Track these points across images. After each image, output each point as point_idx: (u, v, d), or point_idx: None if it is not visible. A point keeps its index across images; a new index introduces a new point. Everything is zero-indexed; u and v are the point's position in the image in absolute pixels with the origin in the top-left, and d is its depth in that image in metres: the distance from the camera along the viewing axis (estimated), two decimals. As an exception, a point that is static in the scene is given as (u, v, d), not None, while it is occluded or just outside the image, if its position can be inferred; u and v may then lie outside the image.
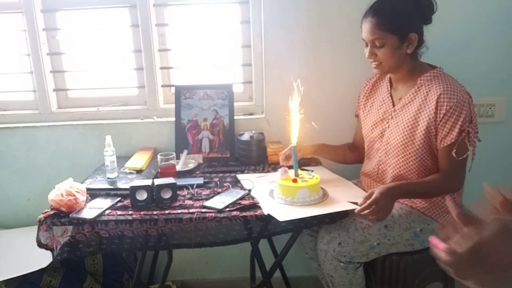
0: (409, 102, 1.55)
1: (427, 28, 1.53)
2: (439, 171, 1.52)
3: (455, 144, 1.44)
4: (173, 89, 2.08)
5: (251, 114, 2.09)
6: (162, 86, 2.10)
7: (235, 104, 2.00)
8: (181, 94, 2.00)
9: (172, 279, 2.16)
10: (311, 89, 1.98)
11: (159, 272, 2.10)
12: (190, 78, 2.13)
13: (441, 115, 1.44)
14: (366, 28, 1.51)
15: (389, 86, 1.65)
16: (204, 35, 2.04)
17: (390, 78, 1.66)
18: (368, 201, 1.37)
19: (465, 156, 1.45)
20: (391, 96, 1.64)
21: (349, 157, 1.84)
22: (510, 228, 0.60)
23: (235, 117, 1.99)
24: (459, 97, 1.43)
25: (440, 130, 1.46)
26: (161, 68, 2.07)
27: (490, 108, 1.97)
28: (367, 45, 1.54)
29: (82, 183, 1.62)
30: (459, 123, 1.42)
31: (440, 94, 1.44)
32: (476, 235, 0.61)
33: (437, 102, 1.45)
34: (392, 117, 1.60)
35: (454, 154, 1.44)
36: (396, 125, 1.58)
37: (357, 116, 1.85)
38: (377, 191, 1.39)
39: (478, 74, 1.91)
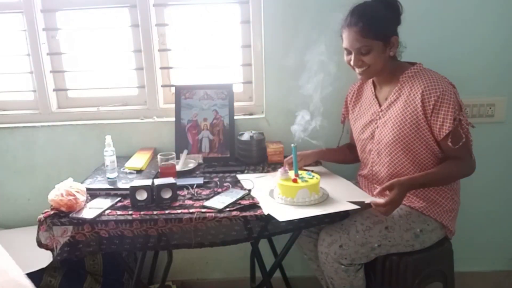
0: (394, 100, 1.57)
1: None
2: (447, 159, 1.53)
3: (450, 133, 1.45)
4: (173, 89, 2.08)
5: (251, 114, 2.09)
6: (162, 86, 2.10)
7: (235, 104, 2.00)
8: (181, 94, 2.00)
9: (172, 279, 2.16)
10: (311, 89, 1.98)
11: (159, 272, 2.10)
12: (190, 78, 2.13)
13: (431, 108, 1.46)
14: (350, 37, 1.51)
15: (373, 88, 1.68)
16: (204, 35, 2.04)
17: (373, 81, 1.68)
18: (386, 200, 1.40)
19: (462, 142, 1.45)
20: (376, 97, 1.66)
21: (350, 157, 1.85)
22: None
23: (235, 117, 1.99)
24: (443, 88, 1.45)
25: (434, 122, 1.47)
26: (161, 68, 2.07)
27: (490, 108, 1.96)
28: (348, 54, 1.56)
29: (82, 183, 1.62)
30: (450, 111, 1.44)
31: (423, 88, 1.47)
32: None
33: (422, 96, 1.47)
34: (380, 117, 1.62)
35: (450, 144, 1.46)
36: (384, 124, 1.59)
37: (343, 122, 1.88)
38: (396, 189, 1.41)
39: (478, 74, 1.91)
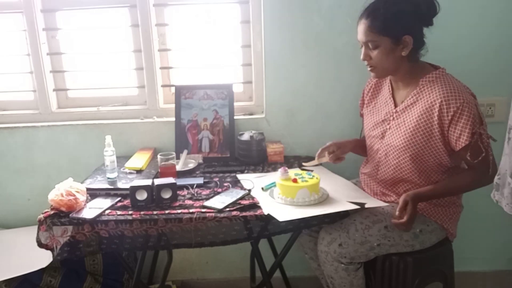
0: (412, 104, 1.52)
1: (427, 29, 1.50)
2: (465, 168, 1.54)
3: (469, 147, 1.41)
4: (173, 89, 2.08)
5: (251, 114, 2.09)
6: (162, 86, 2.10)
7: (235, 104, 2.00)
8: (181, 94, 2.00)
9: (172, 279, 2.17)
10: (311, 89, 1.98)
11: (159, 272, 2.10)
12: (190, 78, 2.13)
13: (449, 118, 1.41)
14: (360, 30, 1.50)
15: (390, 87, 1.63)
16: (204, 35, 2.04)
17: (390, 80, 1.64)
18: (406, 218, 1.41)
19: (482, 156, 1.42)
20: (393, 97, 1.62)
21: None
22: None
23: (235, 117, 1.99)
24: (464, 99, 1.40)
25: (451, 133, 1.43)
26: (161, 68, 2.07)
27: (490, 108, 1.96)
28: (361, 47, 1.53)
29: (82, 183, 1.62)
30: (469, 125, 1.39)
31: (444, 97, 1.42)
32: None
33: (440, 107, 1.42)
34: (393, 118, 1.58)
35: (469, 158, 1.43)
36: (397, 127, 1.56)
37: (362, 115, 1.82)
38: (411, 204, 1.42)
39: (478, 74, 1.90)
